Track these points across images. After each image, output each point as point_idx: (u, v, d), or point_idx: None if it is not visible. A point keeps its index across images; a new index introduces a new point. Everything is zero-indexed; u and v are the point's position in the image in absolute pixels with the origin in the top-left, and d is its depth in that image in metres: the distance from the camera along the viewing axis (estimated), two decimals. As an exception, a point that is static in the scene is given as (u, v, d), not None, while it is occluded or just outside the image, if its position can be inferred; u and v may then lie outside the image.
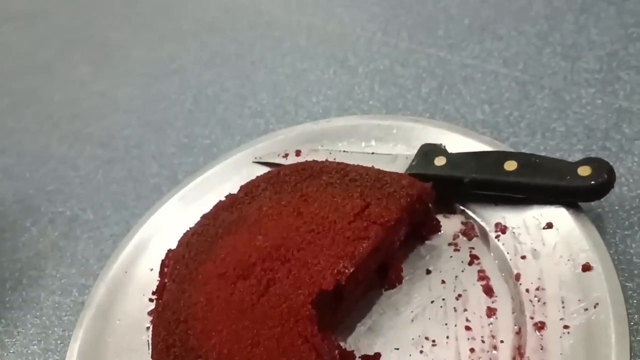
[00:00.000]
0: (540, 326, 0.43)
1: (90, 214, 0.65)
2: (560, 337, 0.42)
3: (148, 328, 0.51)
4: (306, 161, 0.55)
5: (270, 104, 0.70)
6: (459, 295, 0.47)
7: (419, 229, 0.51)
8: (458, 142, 0.55)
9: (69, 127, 0.79)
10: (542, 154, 0.54)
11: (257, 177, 0.55)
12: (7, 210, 0.69)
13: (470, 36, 0.70)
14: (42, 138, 0.78)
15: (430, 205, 0.50)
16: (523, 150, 0.55)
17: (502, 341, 0.44)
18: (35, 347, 0.55)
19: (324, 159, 0.55)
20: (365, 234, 0.45)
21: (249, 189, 0.53)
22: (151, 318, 0.51)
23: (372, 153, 0.56)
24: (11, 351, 0.56)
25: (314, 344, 0.41)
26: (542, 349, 0.42)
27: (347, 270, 0.43)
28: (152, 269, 0.54)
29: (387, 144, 0.57)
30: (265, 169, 0.58)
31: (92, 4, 1.07)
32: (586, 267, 0.43)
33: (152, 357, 0.46)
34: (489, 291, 0.47)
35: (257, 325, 0.43)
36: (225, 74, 0.77)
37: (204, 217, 0.53)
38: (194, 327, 0.44)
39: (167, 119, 0.74)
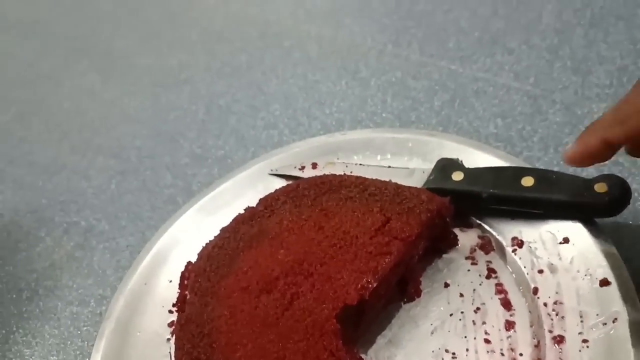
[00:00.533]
0: (559, 340, 0.44)
1: (105, 225, 0.66)
2: (580, 350, 0.43)
3: (169, 340, 0.52)
4: (324, 175, 0.56)
5: (283, 115, 0.71)
6: (478, 309, 0.48)
7: (436, 243, 0.51)
8: (474, 157, 0.56)
9: (79, 136, 0.79)
10: (556, 168, 0.55)
11: (276, 190, 0.55)
12: (21, 220, 0.70)
13: (481, 49, 0.71)
14: (52, 148, 0.78)
15: (448, 219, 0.51)
16: (537, 165, 0.56)
17: (521, 354, 0.45)
18: (54, 357, 0.56)
19: (340, 172, 0.56)
20: (387, 249, 0.46)
21: (268, 203, 0.54)
22: (172, 330, 0.52)
23: (389, 167, 0.57)
24: (30, 362, 0.56)
25: (338, 358, 0.42)
26: (562, 362, 0.43)
27: (370, 286, 0.44)
28: (171, 281, 0.55)
29: (403, 158, 0.58)
30: (281, 182, 0.59)
31: (95, 12, 1.07)
32: (604, 282, 0.44)
33: None
34: (507, 304, 0.47)
35: (282, 339, 0.43)
36: (236, 84, 0.78)
37: (224, 230, 0.54)
38: (219, 341, 0.45)
39: (179, 129, 0.74)
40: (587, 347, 0.42)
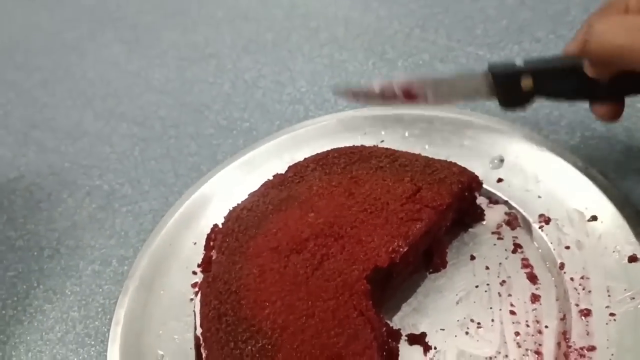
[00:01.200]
0: (585, 313, 0.44)
1: (128, 189, 0.66)
2: (607, 323, 0.43)
3: (192, 300, 0.52)
4: (353, 145, 0.56)
5: (310, 91, 0.71)
6: (503, 282, 0.48)
7: (463, 217, 0.52)
8: (503, 138, 0.56)
9: (102, 104, 0.79)
10: (583, 153, 0.56)
11: (305, 158, 0.56)
12: (43, 182, 0.70)
13: (508, 37, 0.71)
14: (75, 114, 0.79)
15: (477, 194, 0.51)
16: (564, 150, 0.56)
17: (546, 326, 0.45)
18: (75, 313, 0.56)
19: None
20: (418, 215, 0.47)
21: (298, 169, 0.54)
22: (195, 290, 0.52)
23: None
24: (51, 317, 0.56)
25: (368, 318, 0.42)
26: (587, 334, 0.43)
27: (401, 249, 0.45)
28: (195, 243, 0.55)
29: (431, 133, 0.58)
30: (309, 152, 0.58)
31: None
32: (633, 259, 0.45)
33: (200, 326, 0.47)
34: (532, 278, 0.48)
35: (311, 297, 0.44)
36: (262, 61, 0.78)
37: (252, 194, 0.54)
38: (247, 298, 0.45)
39: (204, 101, 0.74)
40: (615, 320, 0.43)
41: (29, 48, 0.95)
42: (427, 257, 0.50)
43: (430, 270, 0.50)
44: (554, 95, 0.49)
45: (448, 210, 0.48)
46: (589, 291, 0.45)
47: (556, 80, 0.47)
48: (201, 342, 0.47)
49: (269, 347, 0.42)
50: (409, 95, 0.50)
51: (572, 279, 0.46)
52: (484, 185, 0.52)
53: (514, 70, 0.47)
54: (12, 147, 0.76)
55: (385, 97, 0.50)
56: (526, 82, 0.47)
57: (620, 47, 0.39)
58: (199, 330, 0.47)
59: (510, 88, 0.48)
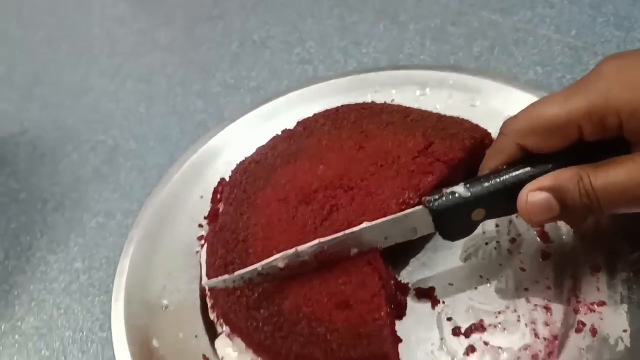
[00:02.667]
0: (596, 269, 0.44)
1: (133, 144, 0.65)
2: (617, 280, 0.43)
3: (197, 252, 0.51)
4: (364, 102, 0.55)
5: (319, 52, 0.70)
6: (513, 239, 0.48)
7: (474, 174, 0.51)
8: (515, 97, 0.55)
9: (108, 61, 0.78)
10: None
11: (315, 114, 0.55)
12: (47, 136, 0.69)
13: (521, 2, 0.70)
14: (80, 71, 0.78)
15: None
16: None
17: (556, 282, 0.45)
18: (79, 264, 0.55)
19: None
20: (429, 169, 0.46)
21: (307, 124, 0.54)
22: (201, 243, 0.52)
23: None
24: (54, 268, 0.56)
25: (376, 267, 0.42)
26: (598, 290, 0.43)
27: (412, 201, 0.44)
28: (202, 197, 0.55)
29: (442, 93, 0.57)
30: (318, 108, 0.57)
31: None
32: (646, 217, 0.44)
33: (207, 275, 0.47)
34: (543, 236, 0.47)
35: (319, 247, 0.43)
36: (271, 22, 0.77)
37: (260, 148, 0.54)
38: (254, 246, 0.45)
39: (212, 60, 0.73)
40: (625, 277, 0.42)
41: (34, 4, 0.94)
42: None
43: (440, 226, 0.49)
44: (505, 214, 0.44)
45: (460, 165, 0.47)
46: (602, 249, 0.45)
47: (506, 202, 0.41)
48: (207, 291, 0.47)
49: (276, 293, 0.42)
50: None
51: (584, 237, 0.46)
52: (496, 144, 0.51)
53: (463, 204, 0.42)
54: (16, 102, 0.75)
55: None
56: (477, 213, 0.42)
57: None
58: (205, 280, 0.46)
59: (459, 221, 0.43)
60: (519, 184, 0.40)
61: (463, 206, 0.42)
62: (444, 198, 0.42)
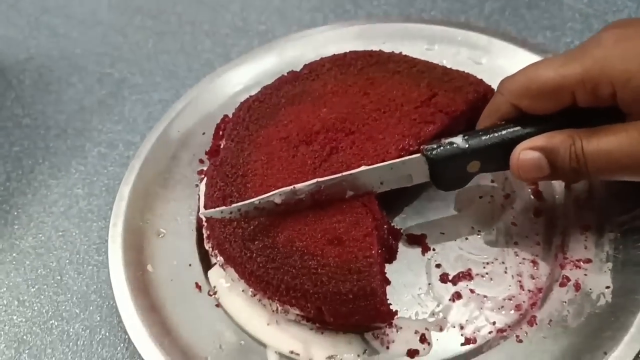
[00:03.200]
0: (585, 228, 0.45)
1: (139, 78, 0.66)
2: (605, 239, 0.44)
3: (197, 185, 0.52)
4: (372, 49, 0.55)
5: (330, 1, 0.70)
6: (508, 195, 0.49)
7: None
8: (521, 57, 0.55)
9: (118, -4, 0.78)
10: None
11: (322, 58, 0.55)
12: (53, 65, 0.69)
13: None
14: (89, 3, 0.77)
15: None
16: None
17: (545, 239, 0.46)
18: (79, 190, 0.56)
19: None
20: (431, 119, 0.46)
21: (313, 68, 0.54)
22: (201, 177, 0.52)
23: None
24: (55, 192, 0.57)
25: (370, 209, 0.43)
26: (585, 248, 0.44)
27: (411, 148, 0.45)
28: (204, 133, 0.55)
29: (451, 49, 0.57)
30: (327, 53, 0.57)
31: None
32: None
33: (205, 207, 0.47)
34: (537, 195, 0.48)
35: (317, 186, 0.44)
36: (284, -33, 0.77)
37: (265, 88, 0.54)
38: (253, 182, 0.46)
39: (222, 1, 0.73)
40: (613, 236, 0.43)
41: None
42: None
43: (436, 178, 0.50)
44: (499, 169, 0.44)
45: (461, 118, 0.48)
46: (593, 209, 0.45)
47: (501, 157, 0.42)
48: (203, 222, 0.48)
49: (271, 227, 0.42)
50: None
51: (576, 197, 0.47)
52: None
53: (460, 155, 0.42)
54: (23, 30, 0.75)
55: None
56: (473, 165, 0.43)
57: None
58: (202, 211, 0.47)
59: (454, 171, 0.43)
60: (516, 140, 0.41)
61: (460, 157, 0.42)
62: (441, 147, 0.42)
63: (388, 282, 0.45)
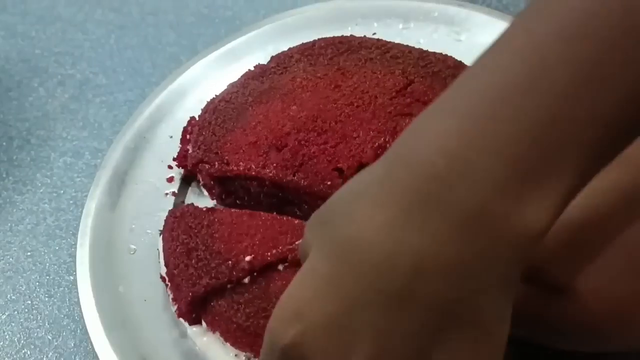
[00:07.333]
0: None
1: (102, 79, 0.62)
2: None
3: (166, 195, 0.50)
4: (342, 35, 0.52)
5: (299, -19, 0.66)
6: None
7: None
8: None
9: (76, -12, 0.74)
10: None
11: (290, 48, 0.52)
12: (13, 69, 0.66)
13: None
14: (47, -3, 0.73)
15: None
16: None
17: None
18: (46, 205, 0.54)
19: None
20: (408, 110, 0.44)
21: (281, 60, 0.51)
22: (170, 185, 0.50)
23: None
24: (21, 208, 0.54)
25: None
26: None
27: (388, 145, 0.42)
28: (171, 137, 0.52)
29: (427, 27, 0.54)
30: (294, 43, 0.54)
31: None
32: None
33: (166, 265, 0.44)
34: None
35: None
36: (248, -55, 0.72)
37: (232, 85, 0.51)
38: (221, 231, 0.43)
39: (185, -13, 0.69)
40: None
41: None
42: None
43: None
44: None
45: (440, 107, 0.45)
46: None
47: None
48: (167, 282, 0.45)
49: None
50: None
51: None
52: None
53: None
54: (-21, 31, 0.71)
55: None
56: None
57: None
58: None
59: None
60: None
61: None
62: None
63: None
